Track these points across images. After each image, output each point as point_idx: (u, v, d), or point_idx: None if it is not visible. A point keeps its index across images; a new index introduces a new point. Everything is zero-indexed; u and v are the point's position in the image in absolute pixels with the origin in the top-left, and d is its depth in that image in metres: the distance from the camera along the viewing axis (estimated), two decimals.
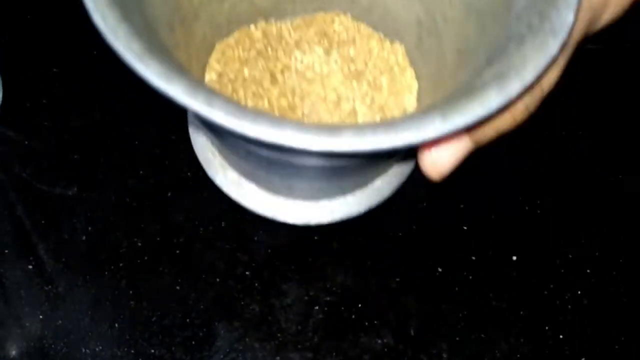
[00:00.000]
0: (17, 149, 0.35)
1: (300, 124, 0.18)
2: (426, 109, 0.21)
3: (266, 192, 0.32)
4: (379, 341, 0.31)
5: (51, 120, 0.36)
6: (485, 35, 0.25)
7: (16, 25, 0.38)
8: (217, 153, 0.32)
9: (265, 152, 0.24)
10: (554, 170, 0.37)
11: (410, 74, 0.33)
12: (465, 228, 0.34)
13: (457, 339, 0.31)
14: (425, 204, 0.35)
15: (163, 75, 0.18)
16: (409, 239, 0.34)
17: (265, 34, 0.33)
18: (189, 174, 0.35)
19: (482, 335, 0.31)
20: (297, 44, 0.33)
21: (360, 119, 0.31)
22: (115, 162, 0.35)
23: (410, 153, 0.30)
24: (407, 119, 0.19)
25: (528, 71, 0.20)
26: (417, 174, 0.27)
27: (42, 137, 0.35)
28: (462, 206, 0.35)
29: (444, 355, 0.31)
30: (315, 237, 0.34)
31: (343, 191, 0.32)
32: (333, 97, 0.32)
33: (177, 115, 0.34)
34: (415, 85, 0.32)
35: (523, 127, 0.23)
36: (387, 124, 0.19)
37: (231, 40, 0.33)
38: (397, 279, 0.33)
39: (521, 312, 0.32)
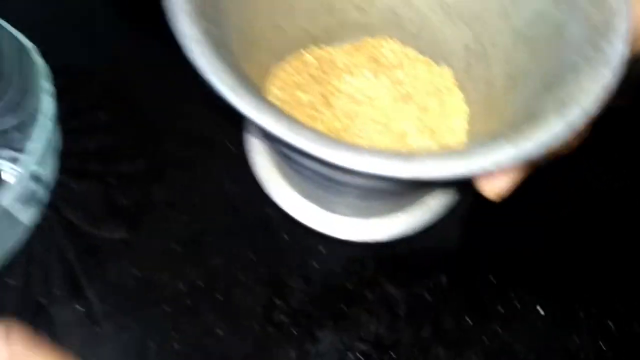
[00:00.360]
0: (67, 193, 0.37)
1: (378, 151, 0.20)
2: (489, 135, 0.22)
3: (322, 209, 0.34)
4: None
5: (100, 166, 0.38)
6: (537, 61, 0.27)
7: (70, 74, 0.40)
8: (276, 172, 0.34)
9: (338, 178, 0.25)
10: (582, 215, 0.38)
11: (458, 96, 0.34)
12: (492, 279, 0.35)
13: None
14: (454, 253, 0.36)
15: (256, 107, 0.20)
16: (439, 289, 0.35)
17: (317, 59, 0.35)
18: (229, 218, 0.37)
19: None
20: (347, 68, 0.35)
21: (410, 140, 0.32)
22: (161, 208, 0.37)
23: None
24: (478, 147, 0.20)
25: (589, 101, 0.21)
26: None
27: (91, 182, 0.37)
28: (489, 254, 0.36)
29: None
30: (350, 287, 0.35)
31: (397, 209, 0.33)
32: (383, 119, 0.33)
33: (217, 166, 0.37)
34: (464, 107, 0.34)
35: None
36: (461, 151, 0.20)
37: (287, 65, 0.34)
38: (429, 329, 0.34)
39: None
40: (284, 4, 0.32)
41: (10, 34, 0.33)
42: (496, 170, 0.20)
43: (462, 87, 0.34)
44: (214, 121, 0.39)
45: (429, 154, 0.20)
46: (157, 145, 0.39)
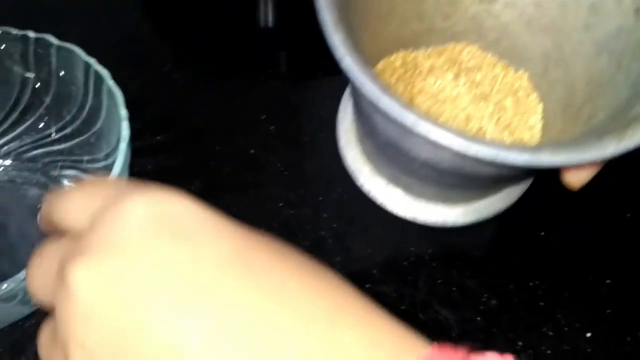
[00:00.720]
0: None
1: (502, 144, 0.23)
2: (593, 133, 0.26)
3: (409, 196, 0.36)
4: None
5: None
6: (624, 72, 0.29)
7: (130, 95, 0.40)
8: (365, 163, 0.37)
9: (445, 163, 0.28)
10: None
11: (535, 97, 0.37)
12: (542, 304, 0.36)
13: None
14: (504, 277, 0.36)
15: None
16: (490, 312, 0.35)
17: (404, 62, 0.38)
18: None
19: None
20: (430, 70, 0.38)
21: (488, 137, 0.35)
22: None
23: None
24: (585, 142, 0.24)
25: None
26: None
27: None
28: (536, 283, 0.36)
29: None
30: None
31: (479, 197, 0.36)
32: (462, 116, 0.36)
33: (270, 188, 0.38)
34: (540, 107, 0.36)
35: None
36: (573, 145, 0.24)
37: (378, 67, 0.38)
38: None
39: None
40: (384, 12, 0.36)
41: (86, 62, 0.34)
42: (600, 161, 0.24)
43: (538, 89, 0.37)
44: (266, 143, 0.41)
45: (551, 147, 0.23)
46: (213, 168, 0.40)
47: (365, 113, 0.30)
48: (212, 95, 0.42)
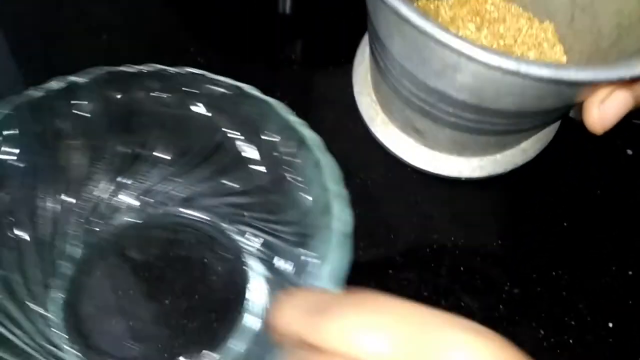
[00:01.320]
0: None
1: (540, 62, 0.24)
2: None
3: (422, 145, 0.36)
4: None
5: None
6: None
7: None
8: (380, 111, 0.36)
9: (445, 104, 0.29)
10: None
11: (559, 49, 0.36)
12: (564, 294, 0.35)
13: None
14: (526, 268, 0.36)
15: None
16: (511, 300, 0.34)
17: (425, 11, 0.37)
18: None
19: None
20: (452, 21, 0.37)
21: None
22: None
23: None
24: (613, 64, 0.25)
25: None
26: None
27: None
28: (559, 273, 0.36)
29: None
30: None
31: (493, 150, 0.35)
32: None
33: None
34: (564, 58, 0.36)
35: None
36: (601, 66, 0.26)
37: None
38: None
39: None
40: None
41: (287, 120, 0.31)
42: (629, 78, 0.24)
43: (563, 41, 0.36)
44: None
45: (576, 66, 0.25)
46: None
47: (383, 39, 0.29)
48: None
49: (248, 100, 0.32)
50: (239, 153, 0.34)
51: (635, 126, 0.41)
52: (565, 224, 0.38)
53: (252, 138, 0.34)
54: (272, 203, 0.34)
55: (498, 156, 0.36)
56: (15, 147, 0.32)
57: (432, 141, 0.35)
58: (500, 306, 0.35)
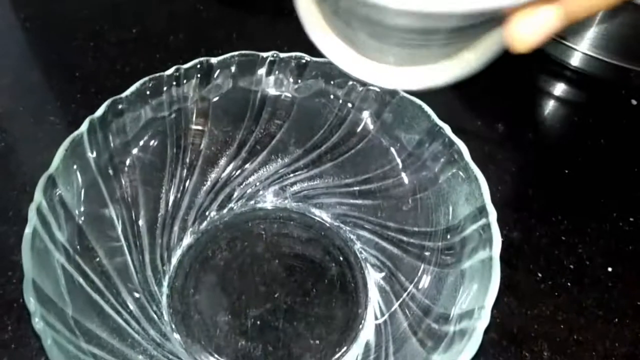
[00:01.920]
0: None
1: None
2: None
3: (361, 55, 0.32)
4: None
5: None
6: None
7: None
8: (320, 17, 0.33)
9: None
10: None
11: None
12: (563, 238, 0.36)
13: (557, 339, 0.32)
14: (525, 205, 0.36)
15: None
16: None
17: None
18: None
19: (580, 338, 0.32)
20: None
21: None
22: None
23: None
24: None
25: None
26: None
27: None
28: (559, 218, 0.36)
29: (545, 354, 0.32)
30: None
31: (431, 60, 0.32)
32: None
33: None
34: None
35: None
36: None
37: None
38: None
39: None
40: None
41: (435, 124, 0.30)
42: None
43: None
44: None
45: None
46: None
47: None
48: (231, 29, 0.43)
49: (392, 97, 0.31)
50: (373, 152, 0.33)
51: None
52: (566, 171, 0.38)
53: (391, 137, 0.32)
54: (399, 209, 0.32)
55: (439, 66, 0.34)
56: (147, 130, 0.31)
57: (369, 54, 0.32)
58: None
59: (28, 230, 0.23)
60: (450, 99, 0.43)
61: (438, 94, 0.37)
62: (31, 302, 0.22)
